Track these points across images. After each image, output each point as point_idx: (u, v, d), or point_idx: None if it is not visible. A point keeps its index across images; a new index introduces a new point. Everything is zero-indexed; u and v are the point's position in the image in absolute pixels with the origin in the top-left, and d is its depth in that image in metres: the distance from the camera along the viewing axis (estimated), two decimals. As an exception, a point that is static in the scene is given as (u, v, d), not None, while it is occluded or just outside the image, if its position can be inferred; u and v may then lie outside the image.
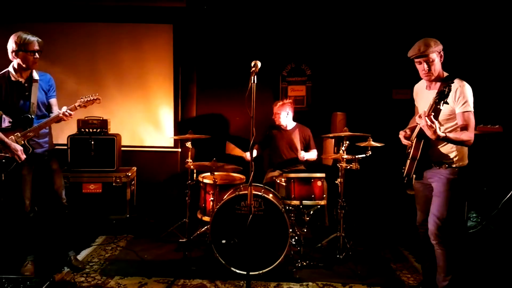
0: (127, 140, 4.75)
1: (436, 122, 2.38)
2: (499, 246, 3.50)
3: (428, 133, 2.42)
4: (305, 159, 4.06)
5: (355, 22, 4.69)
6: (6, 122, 3.02)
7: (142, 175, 4.74)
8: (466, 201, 3.66)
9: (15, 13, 4.65)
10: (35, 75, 3.07)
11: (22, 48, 2.87)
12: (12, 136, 2.93)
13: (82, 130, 4.30)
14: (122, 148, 4.56)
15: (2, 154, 2.89)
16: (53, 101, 3.18)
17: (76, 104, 3.06)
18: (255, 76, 2.58)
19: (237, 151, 4.16)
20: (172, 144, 4.90)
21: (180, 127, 4.85)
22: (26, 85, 3.02)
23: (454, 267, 2.64)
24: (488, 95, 2.80)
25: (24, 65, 2.95)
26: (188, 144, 3.88)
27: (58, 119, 3.00)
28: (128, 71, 4.83)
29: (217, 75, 4.87)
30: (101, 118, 4.33)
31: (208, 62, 4.87)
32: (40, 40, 2.95)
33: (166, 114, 4.89)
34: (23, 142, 2.96)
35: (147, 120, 4.90)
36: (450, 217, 2.58)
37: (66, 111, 2.98)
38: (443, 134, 2.43)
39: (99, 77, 4.82)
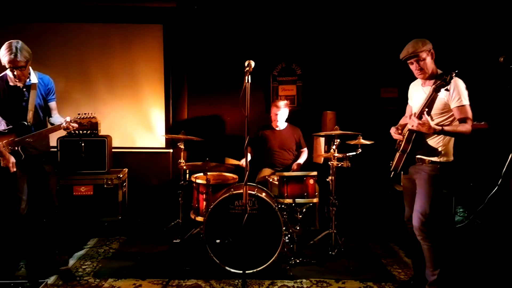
0: (118, 141, 4.73)
1: (428, 117, 2.45)
2: (485, 240, 3.59)
3: (423, 130, 2.49)
4: (299, 166, 4.13)
5: (345, 22, 4.75)
6: (3, 125, 2.98)
7: (134, 176, 4.73)
8: (453, 196, 3.75)
9: (4, 14, 4.59)
10: (34, 78, 3.04)
11: (2, 62, 2.87)
12: (6, 141, 2.89)
13: (72, 131, 4.24)
14: (113, 150, 4.54)
15: None
16: (53, 104, 3.16)
17: (77, 120, 3.01)
18: (249, 76, 2.60)
19: (233, 162, 4.16)
20: (163, 145, 4.90)
21: (171, 127, 4.85)
22: (24, 90, 3.01)
23: (443, 261, 2.70)
24: (474, 92, 2.88)
25: (11, 77, 2.92)
26: (180, 145, 3.88)
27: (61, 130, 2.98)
28: (119, 71, 4.81)
29: (208, 76, 4.88)
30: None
31: (199, 62, 4.87)
32: (17, 57, 2.80)
33: (157, 115, 4.88)
34: (16, 149, 2.92)
35: (138, 121, 4.88)
36: (436, 212, 2.64)
37: (71, 124, 2.94)
38: (439, 128, 2.49)
39: (89, 78, 4.79)
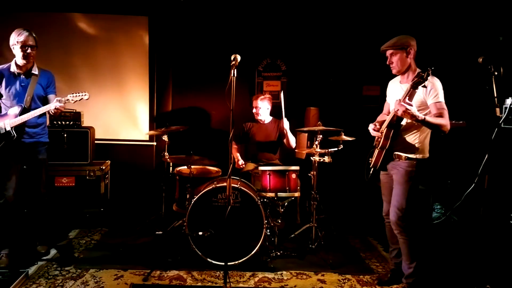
0: (101, 133, 4.69)
1: (413, 104, 2.51)
2: (461, 236, 3.70)
3: (407, 117, 2.55)
4: (287, 127, 4.02)
5: (329, 21, 4.81)
6: (3, 110, 3.16)
7: (116, 168, 4.70)
8: (431, 193, 3.85)
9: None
10: (35, 70, 3.21)
11: (16, 42, 3.05)
12: (1, 122, 3.06)
13: (55, 122, 4.21)
14: (96, 141, 4.50)
15: None
16: (52, 96, 3.28)
17: (69, 99, 3.15)
18: (235, 70, 2.62)
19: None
20: (147, 138, 4.88)
21: (155, 120, 4.84)
22: (24, 77, 3.18)
23: (419, 255, 2.79)
24: (453, 92, 2.96)
25: (20, 59, 3.09)
26: (165, 138, 3.88)
27: (48, 110, 3.11)
28: (103, 63, 4.77)
29: (194, 69, 4.88)
30: (74, 111, 4.25)
31: (185, 55, 4.86)
32: (32, 36, 3.09)
33: (141, 107, 4.86)
34: (8, 128, 3.04)
35: (121, 113, 4.86)
36: (412, 207, 2.72)
37: (57, 106, 3.07)
38: (422, 116, 2.54)
39: (72, 69, 4.74)
